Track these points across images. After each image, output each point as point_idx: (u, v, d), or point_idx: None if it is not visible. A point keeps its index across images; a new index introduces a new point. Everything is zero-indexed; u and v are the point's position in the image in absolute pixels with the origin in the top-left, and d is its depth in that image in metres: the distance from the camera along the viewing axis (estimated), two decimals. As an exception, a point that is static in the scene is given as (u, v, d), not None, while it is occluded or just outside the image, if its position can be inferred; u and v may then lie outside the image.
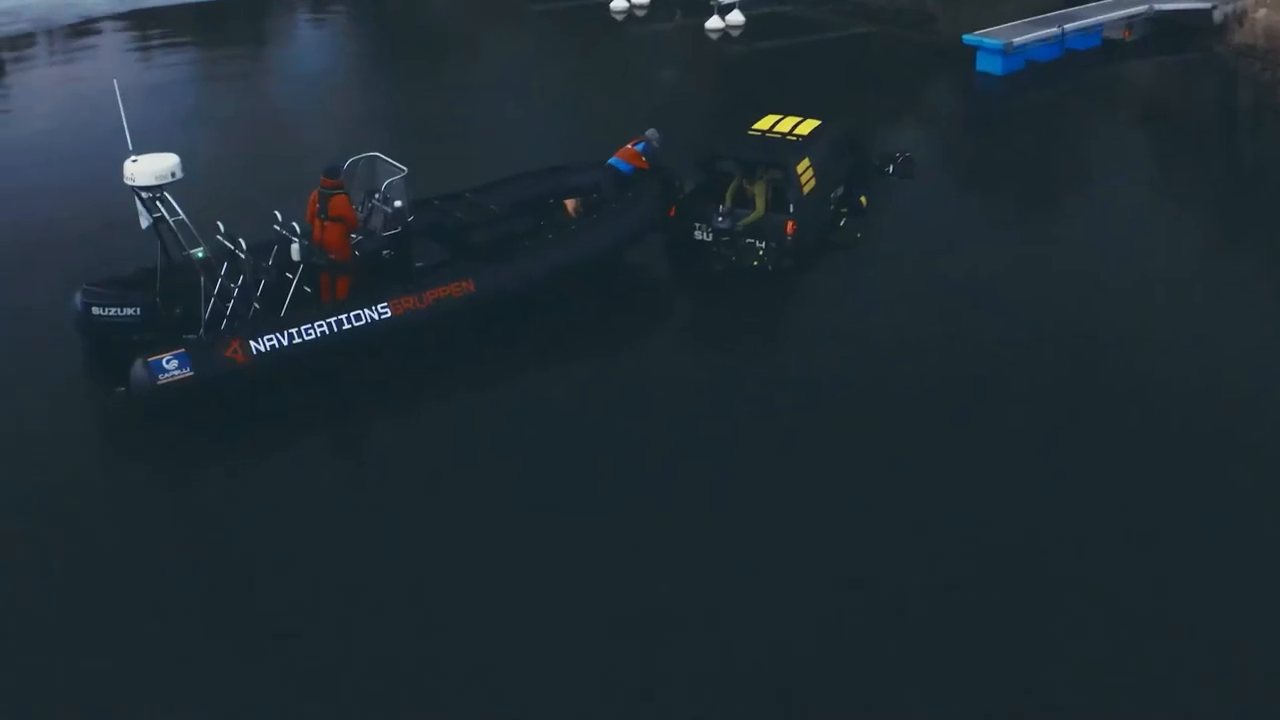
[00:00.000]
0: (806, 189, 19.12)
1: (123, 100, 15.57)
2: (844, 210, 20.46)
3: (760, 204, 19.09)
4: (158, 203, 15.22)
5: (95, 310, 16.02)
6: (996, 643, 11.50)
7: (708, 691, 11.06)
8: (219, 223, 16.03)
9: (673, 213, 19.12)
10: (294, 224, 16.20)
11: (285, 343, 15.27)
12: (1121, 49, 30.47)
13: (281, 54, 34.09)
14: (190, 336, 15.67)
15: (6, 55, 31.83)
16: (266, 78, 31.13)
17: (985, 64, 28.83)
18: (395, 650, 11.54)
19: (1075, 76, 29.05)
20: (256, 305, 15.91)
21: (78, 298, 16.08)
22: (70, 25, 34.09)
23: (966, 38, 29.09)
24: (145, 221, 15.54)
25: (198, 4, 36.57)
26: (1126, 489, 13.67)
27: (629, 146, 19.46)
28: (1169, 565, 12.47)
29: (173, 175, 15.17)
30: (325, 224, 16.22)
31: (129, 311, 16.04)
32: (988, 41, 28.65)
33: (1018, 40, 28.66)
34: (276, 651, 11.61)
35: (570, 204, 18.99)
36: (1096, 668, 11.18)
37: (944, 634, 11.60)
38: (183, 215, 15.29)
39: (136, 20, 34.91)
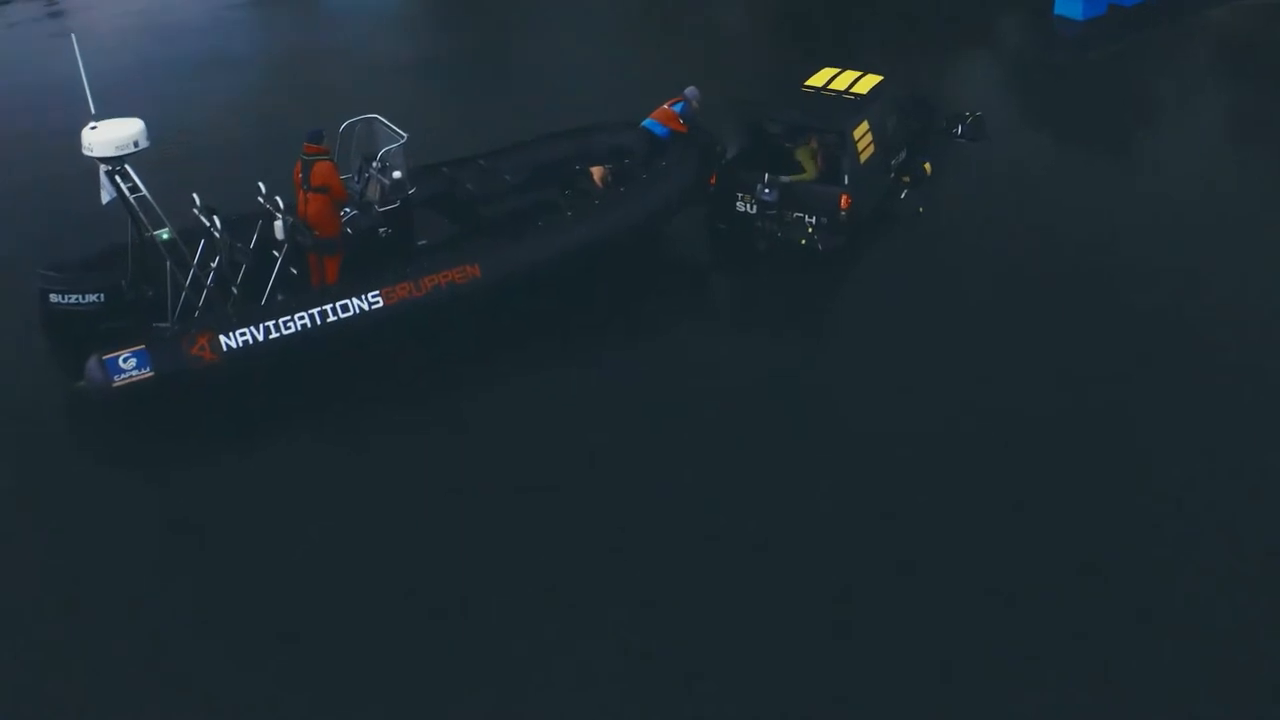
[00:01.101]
0: (864, 156, 16.96)
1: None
2: (905, 179, 18.20)
3: (809, 166, 16.92)
4: (116, 176, 13.35)
5: (53, 298, 14.20)
6: (995, 642, 10.92)
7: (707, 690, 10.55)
8: (195, 195, 14.20)
9: (713, 181, 16.98)
10: (277, 198, 14.28)
11: (261, 338, 13.43)
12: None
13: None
14: (161, 325, 13.93)
15: None
16: (312, 11, 28.94)
17: (1064, 7, 26.37)
18: (396, 655, 10.85)
19: (1162, 21, 26.50)
20: (234, 291, 14.05)
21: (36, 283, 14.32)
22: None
23: (1045, -22, 26.57)
24: (106, 196, 13.69)
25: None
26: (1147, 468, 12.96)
27: (665, 107, 17.22)
28: (1172, 558, 11.86)
29: (135, 145, 13.35)
30: (309, 195, 14.32)
31: (91, 298, 14.23)
32: (1069, -17, 26.11)
33: (1102, -19, 26.13)
34: (277, 653, 10.94)
35: (597, 172, 16.84)
36: (1097, 668, 10.66)
37: (945, 634, 10.97)
38: (145, 191, 13.45)
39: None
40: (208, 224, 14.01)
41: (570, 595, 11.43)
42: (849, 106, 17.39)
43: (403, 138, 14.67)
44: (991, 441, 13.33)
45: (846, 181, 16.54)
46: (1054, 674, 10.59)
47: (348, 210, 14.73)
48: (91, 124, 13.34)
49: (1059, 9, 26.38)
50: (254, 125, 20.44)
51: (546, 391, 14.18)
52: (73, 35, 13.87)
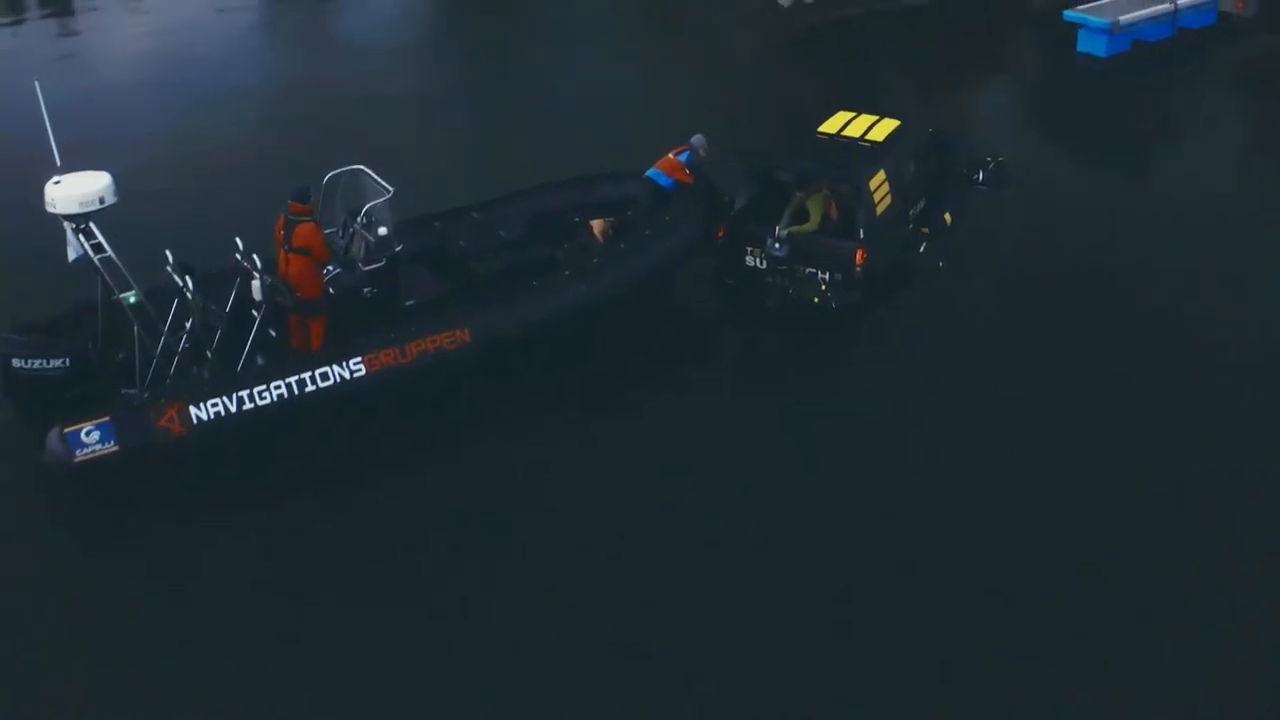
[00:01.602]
0: (881, 208, 16.04)
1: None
2: (925, 230, 17.20)
3: (816, 215, 16.00)
4: (80, 234, 12.50)
5: (16, 363, 13.32)
6: (995, 642, 10.84)
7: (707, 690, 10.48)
8: (168, 252, 13.32)
9: (721, 234, 16.07)
10: (255, 256, 13.42)
11: (233, 409, 12.55)
12: (1237, 25, 26.93)
13: (349, 12, 30.21)
14: (130, 391, 13.05)
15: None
16: (321, 40, 28.00)
17: (1088, 44, 25.50)
18: (396, 656, 10.74)
19: (1187, 58, 25.68)
20: (209, 355, 13.19)
21: None
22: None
23: (1067, 14, 25.68)
24: (73, 254, 12.84)
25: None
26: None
27: (670, 156, 16.36)
28: (1172, 558, 11.81)
29: (101, 201, 12.49)
30: (290, 255, 13.47)
31: (56, 363, 13.35)
32: (1092, 19, 25.23)
33: (1125, 18, 25.23)
34: (276, 654, 10.85)
35: (598, 225, 15.88)
36: (1097, 667, 10.62)
37: (945, 634, 10.92)
38: (110, 252, 12.60)
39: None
40: (181, 284, 13.14)
41: (570, 596, 11.37)
42: (865, 155, 16.49)
43: (389, 192, 13.83)
44: (992, 442, 13.29)
45: (862, 235, 15.65)
46: (1054, 674, 10.54)
47: (330, 269, 13.87)
48: (55, 178, 12.51)
49: (1082, 46, 25.56)
50: (250, 162, 19.58)
51: (541, 442, 13.56)
52: (36, 83, 12.99)
